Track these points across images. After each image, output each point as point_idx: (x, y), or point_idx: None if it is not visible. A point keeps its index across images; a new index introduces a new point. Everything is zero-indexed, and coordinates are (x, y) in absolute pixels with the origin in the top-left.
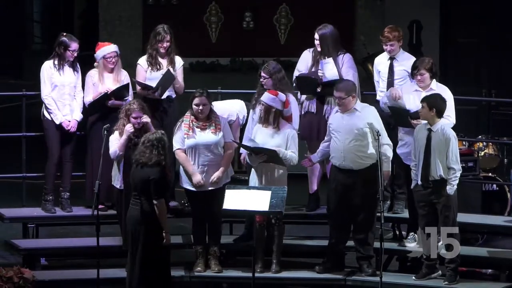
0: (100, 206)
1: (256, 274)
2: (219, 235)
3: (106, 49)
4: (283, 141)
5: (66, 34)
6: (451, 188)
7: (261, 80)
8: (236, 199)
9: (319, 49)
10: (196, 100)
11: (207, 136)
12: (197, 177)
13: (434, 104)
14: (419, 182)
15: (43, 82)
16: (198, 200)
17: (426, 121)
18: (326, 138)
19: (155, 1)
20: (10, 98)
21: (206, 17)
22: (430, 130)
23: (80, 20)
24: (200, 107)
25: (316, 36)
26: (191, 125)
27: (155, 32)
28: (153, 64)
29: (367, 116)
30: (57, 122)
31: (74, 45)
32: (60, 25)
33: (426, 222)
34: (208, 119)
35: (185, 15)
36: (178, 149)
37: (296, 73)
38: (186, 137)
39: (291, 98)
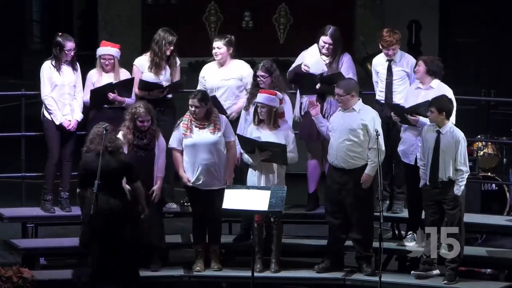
0: None
1: (255, 274)
2: (219, 234)
3: (102, 50)
4: (282, 141)
5: (61, 34)
6: (459, 189)
7: (258, 79)
8: (235, 199)
9: (325, 51)
10: (189, 101)
11: (205, 135)
12: (184, 178)
13: (443, 107)
14: (427, 183)
15: (42, 82)
16: (199, 199)
17: (427, 121)
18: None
19: (154, 1)
20: (10, 98)
21: (206, 17)
22: (439, 132)
23: (80, 20)
24: (193, 108)
25: (327, 39)
26: (189, 125)
27: (163, 35)
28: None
29: (364, 117)
30: (57, 123)
31: (69, 45)
32: (59, 25)
33: (433, 221)
34: (207, 118)
35: (184, 15)
36: (173, 148)
37: (288, 73)
38: (184, 137)
39: (286, 98)
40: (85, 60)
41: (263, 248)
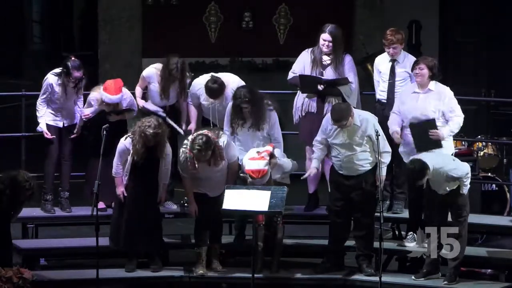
0: (99, 206)
1: (256, 274)
2: (221, 233)
3: (105, 97)
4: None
5: (73, 59)
6: (465, 188)
7: (243, 107)
8: (235, 199)
9: (325, 49)
10: (194, 148)
11: (211, 169)
12: (192, 208)
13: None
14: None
15: (42, 91)
16: (204, 204)
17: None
18: (318, 140)
19: (154, 1)
20: (10, 98)
21: (206, 17)
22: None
23: (80, 20)
24: (195, 151)
25: (326, 36)
26: (194, 163)
27: (170, 67)
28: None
29: (366, 130)
30: (38, 128)
31: (76, 74)
32: (59, 25)
33: (438, 221)
34: (213, 156)
35: (184, 15)
36: (184, 177)
37: (290, 75)
38: (195, 172)
39: (273, 115)
40: (85, 60)
41: (263, 248)
